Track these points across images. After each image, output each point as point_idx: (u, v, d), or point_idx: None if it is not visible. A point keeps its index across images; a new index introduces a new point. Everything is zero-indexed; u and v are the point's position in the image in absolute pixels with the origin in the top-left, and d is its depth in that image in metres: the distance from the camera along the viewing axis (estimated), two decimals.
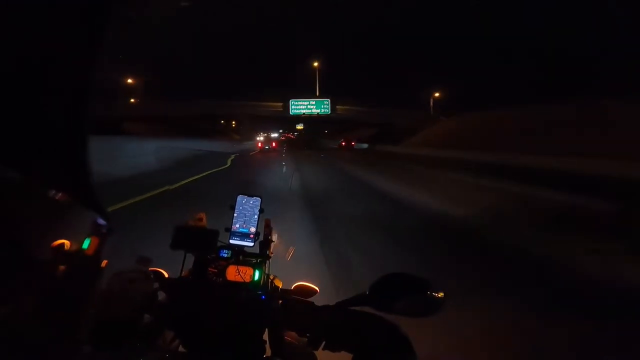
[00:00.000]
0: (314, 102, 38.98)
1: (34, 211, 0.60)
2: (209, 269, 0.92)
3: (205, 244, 0.89)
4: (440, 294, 0.75)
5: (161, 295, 0.84)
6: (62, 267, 0.63)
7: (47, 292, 0.58)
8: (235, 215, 1.02)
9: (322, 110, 38.96)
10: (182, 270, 0.92)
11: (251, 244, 1.01)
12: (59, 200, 0.62)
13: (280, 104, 38.19)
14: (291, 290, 0.98)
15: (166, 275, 0.92)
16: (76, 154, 0.63)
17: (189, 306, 0.82)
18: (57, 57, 0.55)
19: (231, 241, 1.01)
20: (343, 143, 39.36)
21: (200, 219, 1.00)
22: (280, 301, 0.87)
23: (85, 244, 0.64)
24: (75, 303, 0.61)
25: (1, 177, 0.57)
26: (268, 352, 0.83)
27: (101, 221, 0.68)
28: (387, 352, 0.73)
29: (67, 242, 0.61)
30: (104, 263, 0.70)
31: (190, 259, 0.91)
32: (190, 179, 10.17)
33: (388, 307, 0.75)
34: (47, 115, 0.58)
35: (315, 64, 41.04)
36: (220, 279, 0.90)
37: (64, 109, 0.59)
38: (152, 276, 0.82)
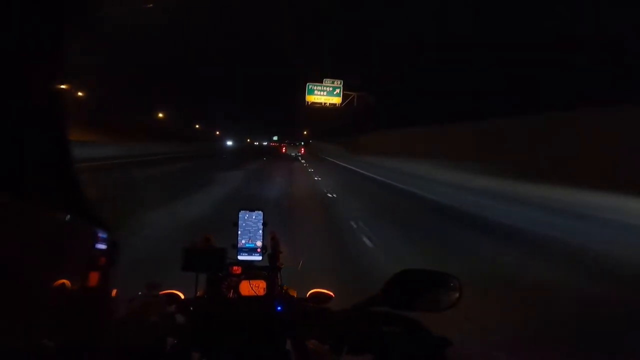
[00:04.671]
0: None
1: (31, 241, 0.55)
2: (222, 286, 0.92)
3: (215, 264, 0.90)
4: (457, 284, 0.76)
5: (179, 318, 0.83)
6: (71, 307, 0.59)
7: (65, 336, 0.53)
8: (239, 232, 1.03)
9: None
10: (196, 291, 0.92)
11: (259, 258, 1.02)
12: (56, 218, 0.55)
13: None
14: (306, 298, 0.98)
15: (182, 296, 0.92)
16: (63, 165, 0.58)
17: (209, 326, 0.82)
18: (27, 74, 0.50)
19: (239, 257, 1.02)
20: None
21: (208, 239, 1.01)
22: (297, 310, 0.88)
23: (87, 278, 0.61)
24: (96, 339, 0.58)
25: None
26: None
27: (101, 246, 0.62)
28: (411, 350, 0.72)
29: (67, 282, 0.57)
30: (113, 292, 0.64)
31: (202, 278, 0.91)
32: None
33: (406, 304, 0.75)
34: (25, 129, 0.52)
35: None
36: (235, 295, 0.91)
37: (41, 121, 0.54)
38: (165, 299, 0.82)
